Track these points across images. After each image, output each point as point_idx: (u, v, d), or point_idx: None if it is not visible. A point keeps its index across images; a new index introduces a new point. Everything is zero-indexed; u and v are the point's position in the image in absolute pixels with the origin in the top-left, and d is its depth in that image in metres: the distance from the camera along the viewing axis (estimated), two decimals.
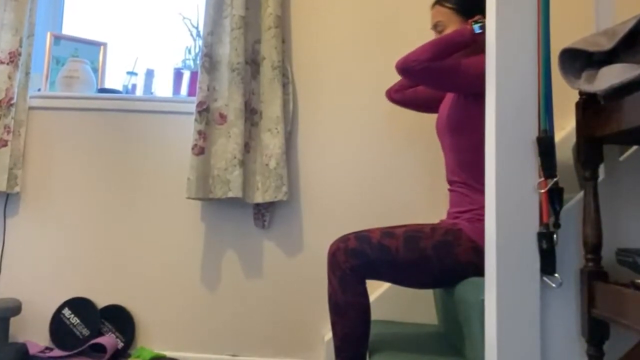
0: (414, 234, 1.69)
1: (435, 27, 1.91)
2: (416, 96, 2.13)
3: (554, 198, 1.23)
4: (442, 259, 1.66)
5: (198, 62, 2.56)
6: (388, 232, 1.71)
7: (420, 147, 2.43)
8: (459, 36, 1.75)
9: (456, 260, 1.66)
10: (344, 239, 1.72)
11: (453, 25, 1.85)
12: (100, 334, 2.45)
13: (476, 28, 1.72)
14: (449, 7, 1.87)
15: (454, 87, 1.78)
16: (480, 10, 1.64)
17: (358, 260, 1.67)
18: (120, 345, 2.43)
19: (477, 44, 1.74)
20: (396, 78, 2.19)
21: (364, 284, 1.71)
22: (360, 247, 1.68)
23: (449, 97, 1.91)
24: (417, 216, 2.40)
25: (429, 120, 2.42)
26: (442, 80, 1.74)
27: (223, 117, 2.43)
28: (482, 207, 1.68)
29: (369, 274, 1.71)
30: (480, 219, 1.70)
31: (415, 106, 2.16)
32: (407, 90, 2.14)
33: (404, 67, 1.73)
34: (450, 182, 1.91)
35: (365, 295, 1.71)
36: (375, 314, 2.28)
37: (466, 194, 1.80)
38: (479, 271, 1.62)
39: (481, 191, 1.74)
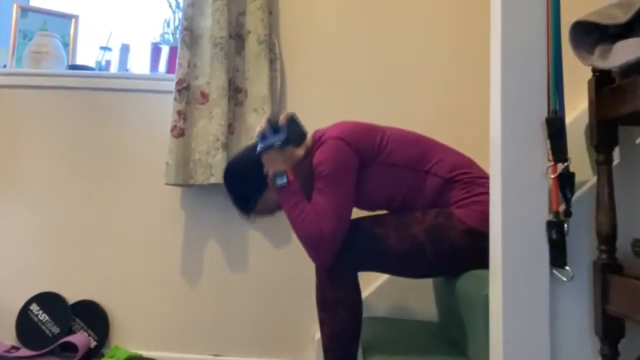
0: (404, 219, 1.70)
1: None
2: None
3: (565, 184, 1.23)
4: (436, 243, 1.66)
5: (177, 36, 2.54)
6: (377, 220, 1.72)
7: (418, 128, 2.41)
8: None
9: (451, 244, 1.66)
10: None
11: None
12: (71, 331, 2.43)
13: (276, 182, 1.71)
14: None
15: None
16: None
17: (347, 252, 1.66)
18: (93, 344, 2.42)
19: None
20: (392, 56, 2.18)
21: (355, 277, 1.70)
22: (349, 237, 1.67)
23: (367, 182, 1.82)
24: None
25: (427, 100, 2.41)
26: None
27: (205, 96, 2.40)
28: (477, 194, 1.70)
29: (361, 266, 1.70)
30: (474, 202, 1.69)
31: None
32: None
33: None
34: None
35: (356, 289, 1.71)
36: (370, 310, 2.28)
37: (461, 187, 1.77)
38: (477, 256, 1.58)
39: (478, 184, 1.73)
